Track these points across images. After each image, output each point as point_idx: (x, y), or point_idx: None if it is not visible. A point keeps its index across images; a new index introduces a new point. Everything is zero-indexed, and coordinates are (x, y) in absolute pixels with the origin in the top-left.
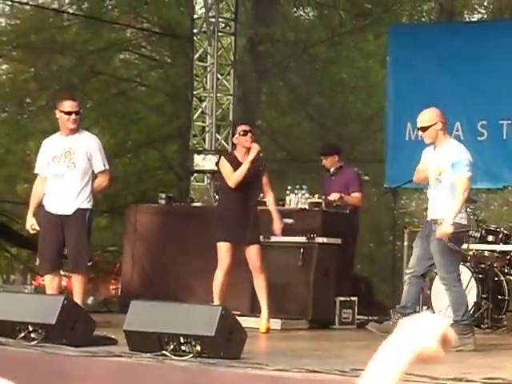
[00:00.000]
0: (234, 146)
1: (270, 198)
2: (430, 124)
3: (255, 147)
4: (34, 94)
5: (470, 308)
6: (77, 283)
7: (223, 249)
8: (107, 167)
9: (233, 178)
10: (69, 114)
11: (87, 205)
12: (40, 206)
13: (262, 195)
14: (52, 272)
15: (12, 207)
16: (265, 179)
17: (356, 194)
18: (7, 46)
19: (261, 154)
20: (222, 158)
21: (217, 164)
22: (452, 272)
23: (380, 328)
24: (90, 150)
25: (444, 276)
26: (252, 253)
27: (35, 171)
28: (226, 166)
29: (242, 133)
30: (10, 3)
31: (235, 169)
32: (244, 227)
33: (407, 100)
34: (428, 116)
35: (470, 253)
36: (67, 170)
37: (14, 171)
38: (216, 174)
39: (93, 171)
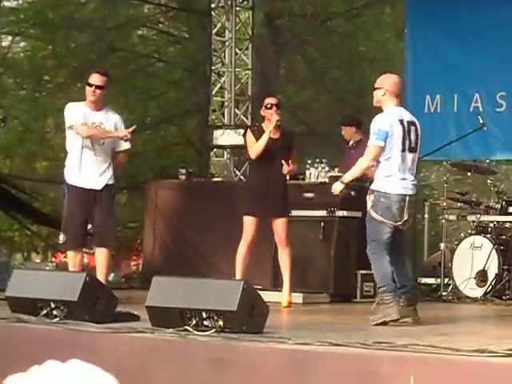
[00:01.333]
0: (262, 118)
1: (293, 167)
2: (377, 87)
3: (274, 118)
4: (52, 71)
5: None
6: (103, 259)
7: (247, 222)
8: (129, 146)
9: (253, 149)
10: (90, 85)
11: (113, 181)
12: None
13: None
14: (78, 248)
15: (32, 185)
16: (293, 152)
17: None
18: (25, 24)
19: (278, 124)
20: (248, 129)
21: (243, 135)
22: (370, 241)
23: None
24: (116, 127)
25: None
26: (278, 226)
27: (70, 124)
28: (249, 138)
29: (268, 106)
30: None
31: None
32: (270, 201)
33: (425, 72)
34: (380, 79)
35: (491, 224)
36: (96, 145)
37: (33, 149)
38: (237, 149)
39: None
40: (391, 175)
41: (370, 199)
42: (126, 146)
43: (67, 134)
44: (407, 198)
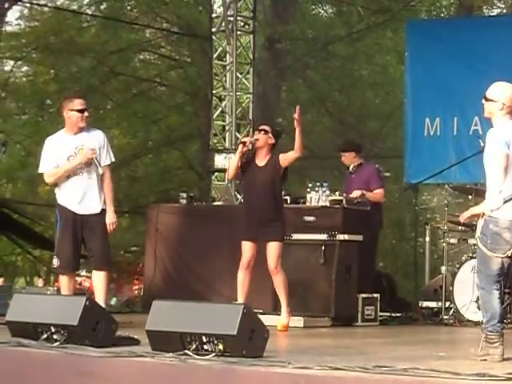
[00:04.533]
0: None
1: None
2: (492, 99)
3: (249, 139)
4: (54, 95)
5: (486, 313)
6: (100, 281)
7: (243, 246)
8: (114, 160)
9: (227, 174)
10: (81, 111)
11: (104, 205)
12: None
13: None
14: (70, 272)
15: (34, 209)
16: (283, 158)
17: (378, 191)
18: (27, 48)
19: (249, 142)
20: (236, 152)
21: None
22: (479, 272)
23: (478, 354)
24: (100, 145)
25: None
26: (269, 251)
27: (41, 171)
28: (232, 160)
29: (256, 129)
30: (28, 5)
31: (250, 167)
32: (264, 225)
33: (426, 95)
34: (496, 90)
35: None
36: (85, 167)
37: (35, 173)
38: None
39: None
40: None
41: (479, 224)
42: (107, 162)
43: None
44: None
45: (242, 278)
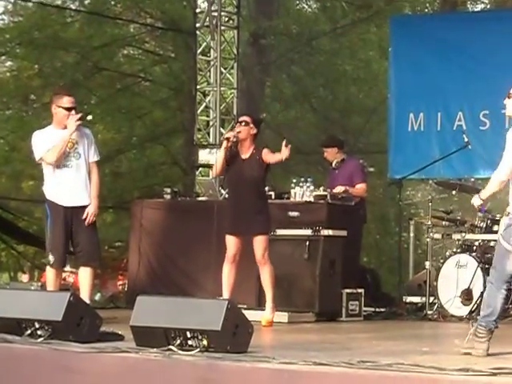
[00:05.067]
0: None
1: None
2: None
3: (230, 133)
4: (39, 90)
5: (487, 308)
6: (87, 278)
7: (227, 240)
8: (99, 158)
9: (212, 170)
10: (69, 109)
11: (92, 199)
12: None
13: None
14: (62, 268)
15: (18, 204)
16: (267, 156)
17: (360, 185)
18: (11, 44)
19: (231, 138)
20: (221, 147)
21: None
22: (493, 268)
23: (463, 346)
24: (88, 141)
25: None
26: (255, 244)
27: (38, 156)
28: (218, 156)
29: (237, 122)
30: (12, 0)
31: (234, 160)
32: (249, 219)
33: (409, 91)
34: None
35: (476, 243)
36: (74, 160)
37: (19, 168)
38: None
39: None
40: None
41: (503, 222)
42: (94, 158)
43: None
44: None
45: (228, 271)
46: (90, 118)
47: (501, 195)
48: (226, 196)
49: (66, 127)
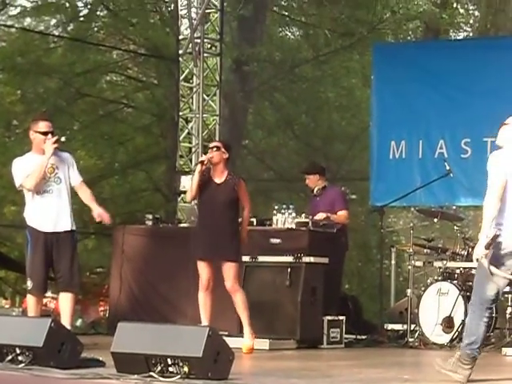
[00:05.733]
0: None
1: (244, 213)
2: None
3: (201, 158)
4: (21, 116)
5: (470, 336)
6: (67, 303)
7: (200, 267)
8: (81, 178)
9: (186, 195)
10: (45, 134)
11: (74, 227)
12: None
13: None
14: (42, 294)
15: (0, 230)
16: (241, 195)
17: (342, 212)
18: None
19: (203, 162)
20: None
21: None
22: (473, 294)
23: (445, 367)
24: (69, 165)
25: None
26: (224, 271)
27: (18, 183)
28: (192, 180)
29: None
30: None
31: (207, 184)
32: (220, 245)
33: (391, 118)
34: None
35: (458, 271)
36: (55, 185)
37: (1, 194)
38: None
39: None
40: (504, 222)
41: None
42: (79, 179)
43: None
44: None
45: (203, 299)
46: (63, 139)
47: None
48: (197, 221)
49: (44, 152)
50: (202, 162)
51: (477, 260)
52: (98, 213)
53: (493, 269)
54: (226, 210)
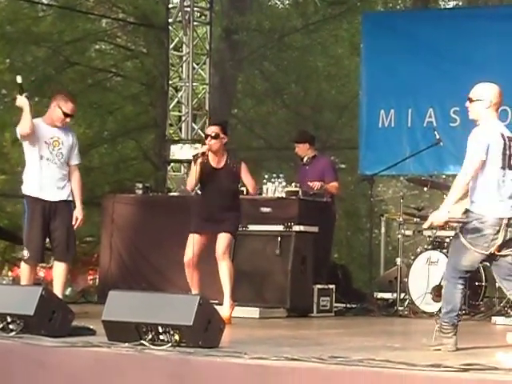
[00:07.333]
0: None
1: (249, 191)
2: (477, 99)
3: (203, 148)
4: (10, 85)
5: (446, 305)
6: (61, 272)
7: (189, 239)
8: (79, 162)
9: (187, 181)
10: (66, 116)
11: (71, 197)
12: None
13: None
14: (38, 263)
15: None
16: (243, 175)
17: (333, 184)
18: None
19: (205, 153)
20: (193, 160)
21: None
22: (448, 264)
23: (432, 344)
24: (72, 144)
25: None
26: (219, 240)
27: (18, 134)
28: (191, 169)
29: (207, 136)
30: None
31: (207, 170)
32: (218, 222)
33: (380, 87)
34: (480, 90)
35: (447, 240)
36: (56, 158)
37: None
38: None
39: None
40: (488, 195)
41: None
42: (76, 161)
43: (24, 146)
44: (504, 221)
45: (190, 274)
46: (19, 79)
47: None
48: (197, 198)
49: (55, 125)
50: (203, 154)
51: (431, 224)
52: (76, 215)
53: (467, 243)
54: (228, 192)
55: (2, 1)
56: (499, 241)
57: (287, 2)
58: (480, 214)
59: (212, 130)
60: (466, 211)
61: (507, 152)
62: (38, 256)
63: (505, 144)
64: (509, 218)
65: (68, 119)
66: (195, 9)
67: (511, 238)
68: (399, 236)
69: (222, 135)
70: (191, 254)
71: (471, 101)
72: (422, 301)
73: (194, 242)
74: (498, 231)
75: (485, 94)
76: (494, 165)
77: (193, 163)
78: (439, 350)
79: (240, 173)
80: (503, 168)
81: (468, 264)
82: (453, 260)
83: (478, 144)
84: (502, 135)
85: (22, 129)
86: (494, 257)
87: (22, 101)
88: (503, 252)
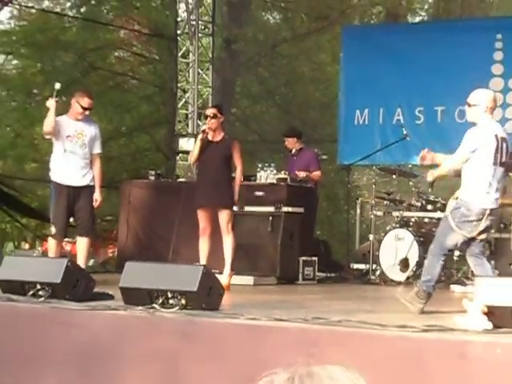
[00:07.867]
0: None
1: (237, 172)
2: (475, 104)
3: (203, 127)
4: (41, 86)
5: (426, 275)
6: (84, 246)
7: (198, 214)
8: (100, 151)
9: (190, 155)
10: (84, 109)
11: (93, 182)
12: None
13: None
14: (63, 239)
15: (22, 183)
16: (234, 155)
17: (316, 173)
18: (16, 44)
19: (205, 131)
20: (196, 137)
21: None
22: (435, 240)
23: (404, 297)
24: (95, 135)
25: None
26: (220, 216)
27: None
28: (195, 145)
29: (205, 117)
30: (18, 7)
31: (206, 144)
32: (217, 193)
33: (356, 90)
34: (476, 96)
35: (413, 219)
36: (80, 149)
37: (23, 152)
38: None
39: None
40: (477, 187)
41: (451, 204)
42: (98, 150)
43: (52, 140)
44: (487, 211)
45: (201, 243)
46: (57, 86)
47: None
48: (197, 176)
49: (77, 119)
50: (203, 131)
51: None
52: (96, 198)
53: (454, 226)
54: (222, 164)
55: (34, 13)
56: (481, 227)
57: (278, 17)
58: (468, 202)
59: (210, 111)
60: (457, 198)
61: (499, 151)
62: (63, 232)
63: (497, 144)
64: (491, 209)
65: (86, 112)
66: (200, 22)
67: (491, 225)
68: (372, 216)
69: (219, 115)
70: (201, 227)
71: (469, 106)
72: (391, 271)
73: (200, 217)
74: (481, 219)
75: (481, 99)
76: (487, 161)
77: (198, 138)
78: (408, 303)
79: (232, 148)
80: (495, 164)
81: (453, 244)
82: (440, 239)
83: (469, 142)
84: (496, 136)
85: (45, 127)
86: (472, 239)
87: (50, 103)
88: (481, 236)
